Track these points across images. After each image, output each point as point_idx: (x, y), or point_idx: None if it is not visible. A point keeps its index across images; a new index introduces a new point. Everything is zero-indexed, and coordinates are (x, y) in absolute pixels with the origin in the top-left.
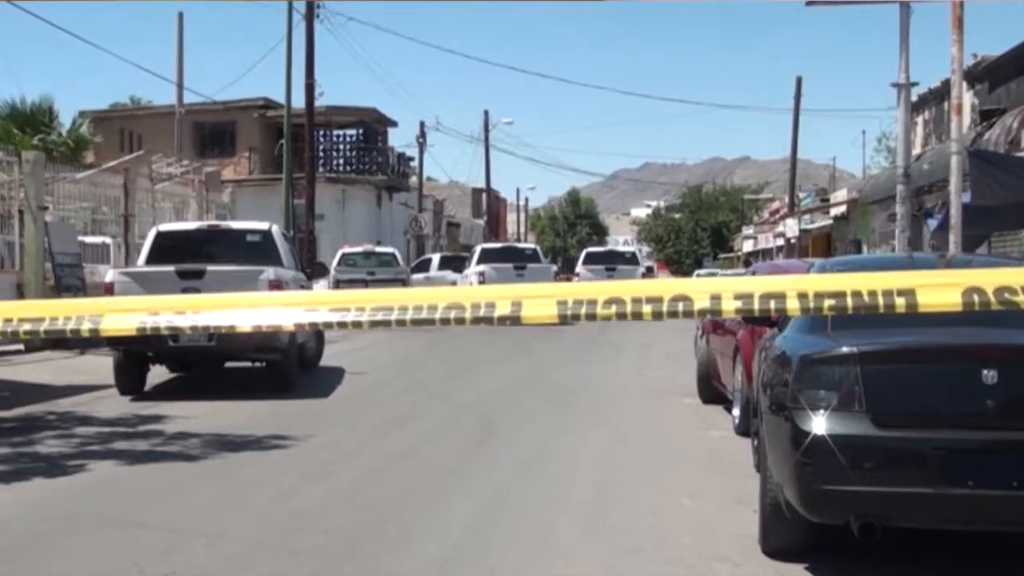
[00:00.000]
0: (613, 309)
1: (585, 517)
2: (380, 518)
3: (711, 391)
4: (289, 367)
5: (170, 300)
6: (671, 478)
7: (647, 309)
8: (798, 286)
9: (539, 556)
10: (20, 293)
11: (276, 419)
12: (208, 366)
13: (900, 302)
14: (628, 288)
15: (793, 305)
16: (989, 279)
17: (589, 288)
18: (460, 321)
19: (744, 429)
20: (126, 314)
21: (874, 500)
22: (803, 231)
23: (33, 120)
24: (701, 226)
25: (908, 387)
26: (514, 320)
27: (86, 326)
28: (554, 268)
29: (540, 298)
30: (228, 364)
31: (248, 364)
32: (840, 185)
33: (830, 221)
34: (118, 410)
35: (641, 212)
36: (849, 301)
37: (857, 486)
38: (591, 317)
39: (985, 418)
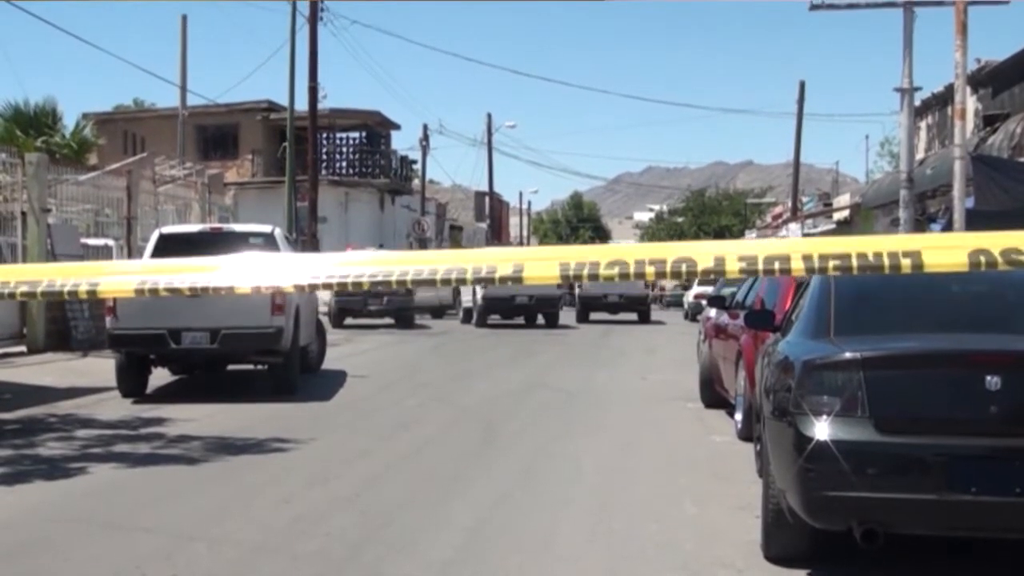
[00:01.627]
0: (616, 270)
1: (587, 522)
2: (382, 522)
3: (714, 396)
4: (291, 370)
5: (167, 264)
6: (674, 483)
7: (650, 269)
8: (802, 249)
9: (541, 561)
10: None
11: (278, 422)
12: (210, 369)
13: (906, 262)
14: (631, 251)
15: (798, 266)
16: (995, 241)
17: (591, 251)
18: (461, 281)
19: (747, 434)
20: (123, 275)
21: (877, 506)
22: (806, 235)
23: (36, 122)
24: (704, 230)
25: (911, 393)
26: (516, 280)
27: (84, 287)
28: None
29: (541, 261)
30: (230, 367)
31: (250, 367)
32: (843, 190)
33: (833, 226)
34: (120, 413)
35: (644, 216)
36: (854, 262)
37: (860, 492)
38: (593, 277)
39: (988, 424)
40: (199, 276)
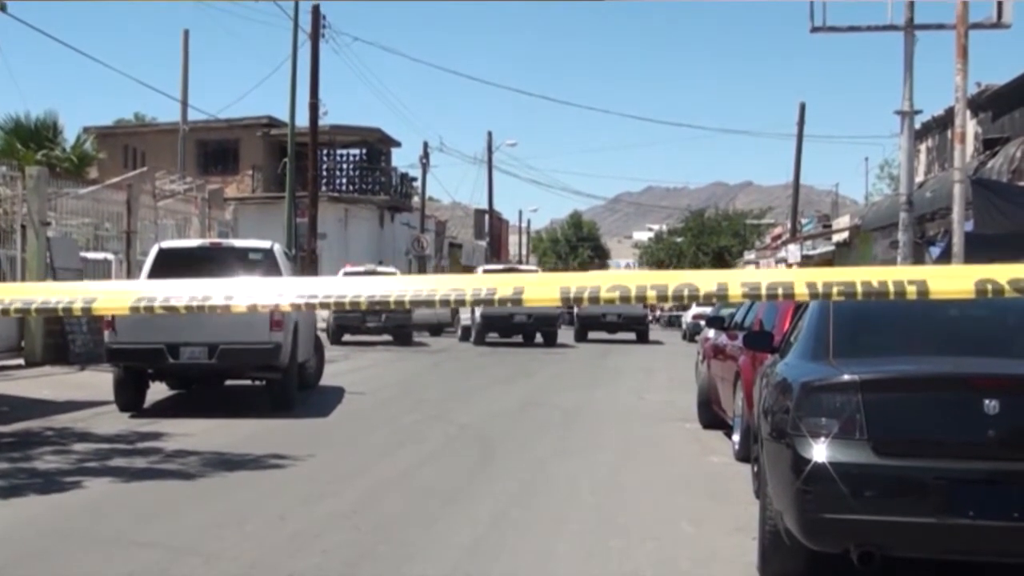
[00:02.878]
0: (617, 293)
1: (585, 542)
2: (378, 539)
3: (711, 416)
4: (289, 386)
5: (165, 285)
6: (671, 503)
7: (651, 293)
8: (805, 277)
9: None
10: None
11: (275, 438)
12: (208, 384)
13: (911, 289)
14: (632, 278)
15: (801, 290)
16: (1002, 273)
17: (593, 277)
18: (460, 302)
19: (744, 455)
20: (120, 295)
21: (874, 529)
22: (805, 257)
23: (37, 135)
24: (703, 250)
25: (909, 416)
26: (516, 302)
27: (79, 304)
28: None
29: (542, 286)
30: (228, 382)
31: (248, 382)
32: (842, 211)
33: (832, 247)
34: (117, 427)
35: (643, 235)
36: (859, 288)
37: (857, 514)
38: (594, 300)
39: (986, 448)
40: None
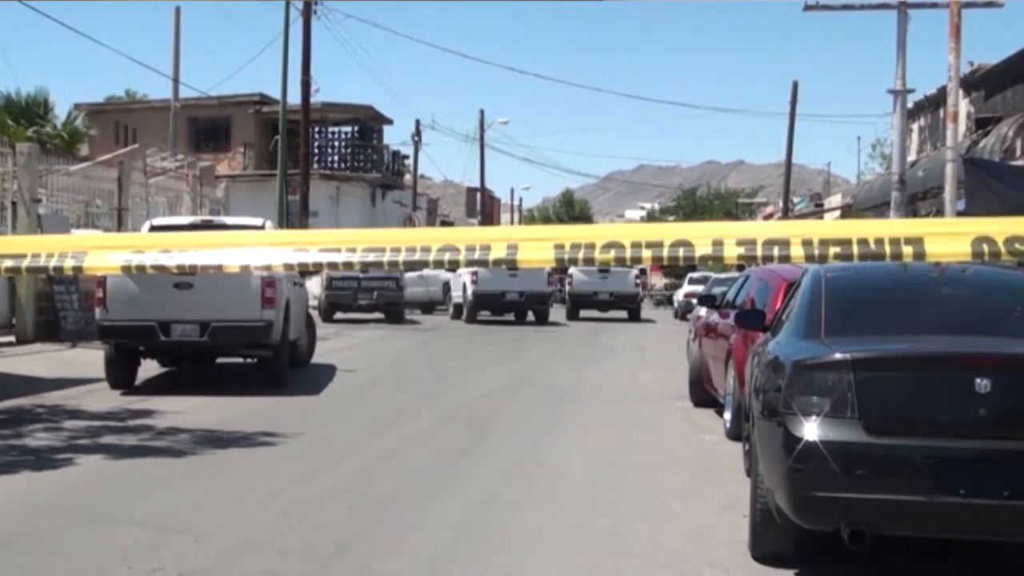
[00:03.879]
0: (612, 253)
1: (576, 520)
2: (370, 518)
3: (703, 395)
4: (280, 363)
5: (155, 238)
6: (662, 482)
7: (647, 254)
8: (803, 232)
9: (529, 559)
10: (12, 285)
11: (267, 416)
12: (199, 361)
13: (908, 251)
14: (627, 232)
15: (797, 252)
16: (1000, 228)
17: (588, 231)
18: (454, 263)
19: (735, 433)
20: (111, 251)
21: (865, 507)
22: None
23: (28, 112)
24: None
25: (901, 395)
26: (510, 263)
27: (69, 263)
28: (547, 268)
29: (537, 240)
30: (219, 360)
31: (239, 360)
32: (834, 190)
33: None
34: (108, 404)
35: (635, 214)
36: (855, 248)
37: (848, 493)
38: (589, 261)
39: (978, 427)
40: (186, 256)
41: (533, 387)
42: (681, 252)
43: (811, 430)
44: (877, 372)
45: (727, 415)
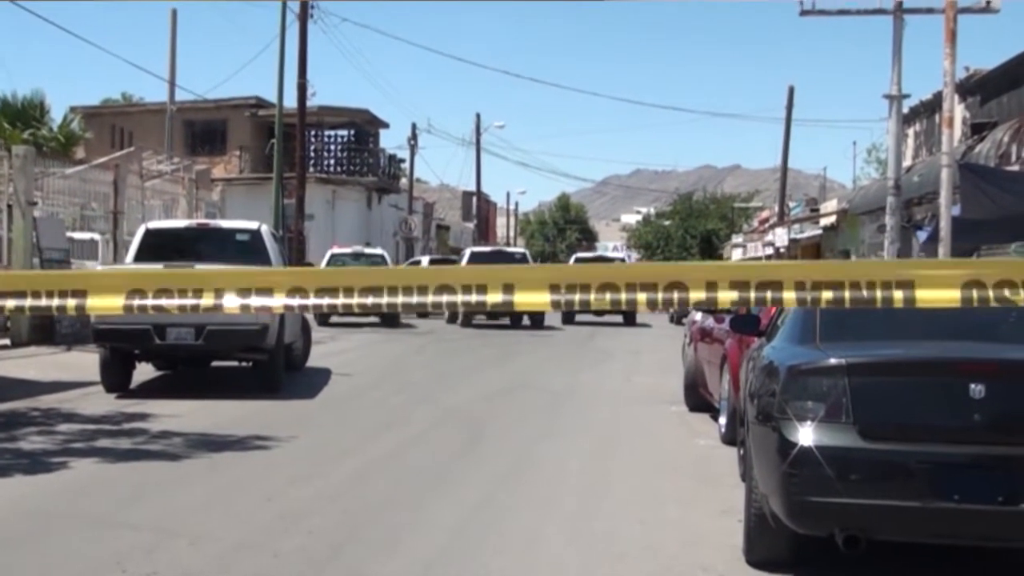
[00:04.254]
0: (607, 296)
1: (571, 524)
2: (364, 521)
3: (698, 399)
4: (276, 367)
5: (155, 275)
6: (657, 486)
7: (642, 297)
8: (796, 275)
9: (524, 563)
10: None
11: (262, 419)
12: (195, 365)
13: (899, 295)
14: (622, 274)
15: (790, 296)
16: (991, 271)
17: (584, 272)
18: (452, 306)
19: (730, 438)
20: (112, 296)
21: (859, 512)
22: (792, 240)
23: (24, 115)
24: (691, 233)
25: (896, 400)
26: (507, 306)
27: (71, 302)
28: None
29: (533, 281)
30: (215, 363)
31: (235, 363)
32: (830, 195)
33: (819, 231)
34: (103, 407)
35: (631, 218)
36: (847, 293)
37: (843, 498)
38: (584, 304)
39: (972, 432)
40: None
41: (529, 391)
42: (676, 296)
43: (806, 435)
44: (872, 377)
45: (722, 420)
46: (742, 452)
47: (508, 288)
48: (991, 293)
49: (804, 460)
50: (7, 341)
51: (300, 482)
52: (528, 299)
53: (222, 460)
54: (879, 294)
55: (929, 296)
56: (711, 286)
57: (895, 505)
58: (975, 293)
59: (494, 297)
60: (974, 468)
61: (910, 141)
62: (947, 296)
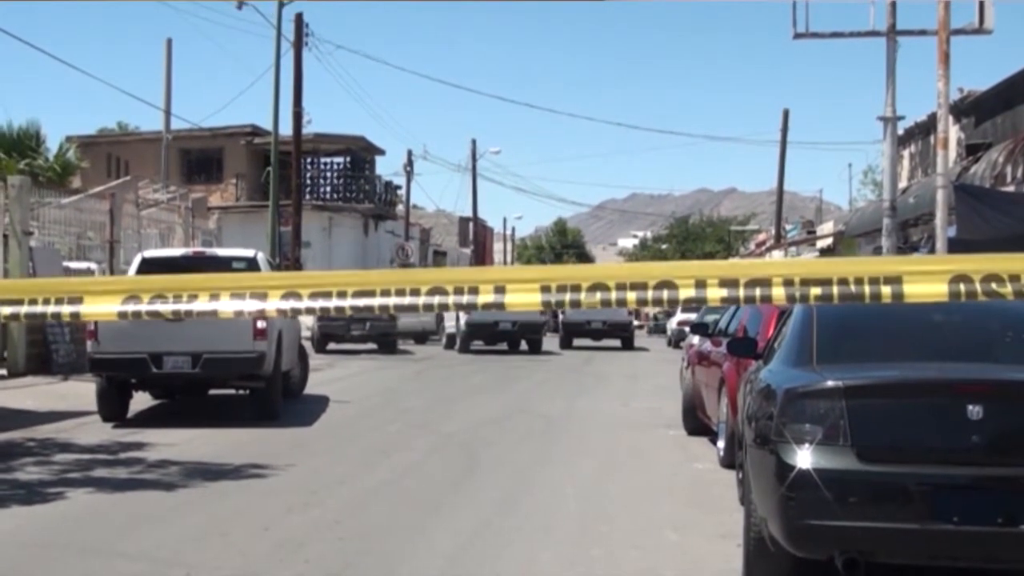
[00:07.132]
0: (597, 295)
1: (568, 550)
2: (362, 549)
3: (696, 423)
4: (273, 395)
5: (150, 281)
6: (655, 511)
7: (631, 296)
8: (784, 272)
9: None
10: None
11: (259, 447)
12: (191, 393)
13: (887, 291)
14: (611, 273)
15: (779, 293)
16: (977, 266)
17: (573, 272)
18: (443, 306)
19: (729, 461)
20: (107, 297)
21: (859, 535)
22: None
23: (20, 144)
24: (688, 257)
25: (893, 422)
26: (498, 307)
27: (67, 309)
28: None
29: (524, 282)
30: (212, 392)
31: (232, 391)
32: (826, 217)
33: (816, 253)
34: (100, 437)
35: (628, 243)
36: (835, 289)
37: (842, 521)
38: (575, 303)
39: (971, 454)
40: (181, 304)
41: (526, 416)
42: (665, 294)
43: (804, 458)
44: (869, 399)
45: (720, 443)
46: (741, 476)
47: (499, 289)
48: (979, 287)
49: (802, 483)
50: (3, 371)
51: (298, 510)
52: (519, 299)
53: (219, 489)
54: (867, 289)
55: (917, 291)
56: (700, 284)
57: (894, 527)
58: (962, 287)
59: (485, 298)
60: (973, 489)
61: (905, 163)
62: (935, 290)
